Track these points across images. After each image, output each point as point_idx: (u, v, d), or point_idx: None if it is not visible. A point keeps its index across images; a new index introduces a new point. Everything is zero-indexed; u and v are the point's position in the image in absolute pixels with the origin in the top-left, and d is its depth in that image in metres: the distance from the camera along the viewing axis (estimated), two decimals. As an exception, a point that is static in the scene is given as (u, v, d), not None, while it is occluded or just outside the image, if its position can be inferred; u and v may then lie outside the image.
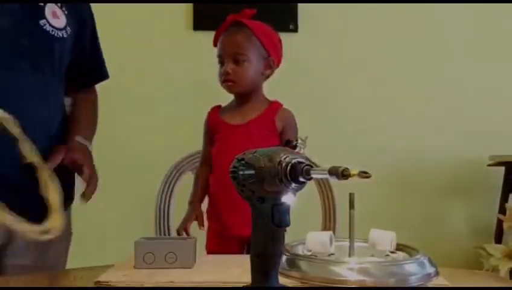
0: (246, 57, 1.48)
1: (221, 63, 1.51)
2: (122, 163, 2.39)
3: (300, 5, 2.62)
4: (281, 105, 1.55)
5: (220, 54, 1.51)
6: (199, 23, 2.57)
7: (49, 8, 1.28)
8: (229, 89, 1.51)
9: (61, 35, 1.30)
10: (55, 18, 1.28)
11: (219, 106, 1.59)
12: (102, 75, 1.51)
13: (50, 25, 1.27)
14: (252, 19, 1.53)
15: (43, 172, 1.15)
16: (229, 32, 1.51)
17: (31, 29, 1.25)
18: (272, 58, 1.53)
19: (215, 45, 1.54)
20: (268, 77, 1.55)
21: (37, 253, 1.29)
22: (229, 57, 1.48)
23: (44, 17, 1.26)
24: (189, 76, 2.58)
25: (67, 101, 1.45)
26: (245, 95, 1.52)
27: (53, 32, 1.27)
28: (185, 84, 2.58)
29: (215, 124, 1.55)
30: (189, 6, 2.61)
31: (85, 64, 1.44)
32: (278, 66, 1.57)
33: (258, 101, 1.53)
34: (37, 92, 1.24)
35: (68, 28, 1.32)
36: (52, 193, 1.13)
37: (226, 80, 1.49)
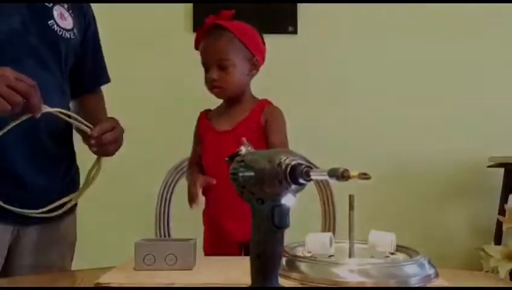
0: (231, 62, 1.47)
1: (206, 69, 1.50)
2: (122, 165, 2.39)
3: (299, 7, 2.63)
4: (269, 103, 1.53)
5: (204, 61, 1.50)
6: (199, 25, 2.57)
7: (57, 10, 1.32)
8: (217, 95, 1.51)
9: (68, 36, 1.33)
10: (63, 20, 1.32)
11: (208, 110, 1.58)
12: (104, 79, 1.54)
13: (58, 25, 1.30)
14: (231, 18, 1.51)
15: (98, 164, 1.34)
16: (211, 37, 1.49)
17: (40, 29, 1.28)
18: (256, 58, 1.52)
19: (196, 48, 1.53)
20: (253, 76, 1.55)
21: (42, 253, 1.30)
22: (214, 63, 1.47)
23: (52, 18, 1.29)
24: (188, 77, 2.57)
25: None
26: (233, 98, 1.52)
27: (60, 33, 1.30)
28: (184, 86, 2.58)
29: (204, 130, 1.54)
30: (188, 8, 2.61)
31: (87, 67, 1.46)
32: (262, 63, 1.55)
33: (245, 102, 1.52)
34: (45, 89, 1.26)
35: (75, 30, 1.35)
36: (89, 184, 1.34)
37: (213, 87, 1.48)
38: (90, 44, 1.45)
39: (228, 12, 1.50)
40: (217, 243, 1.48)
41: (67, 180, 1.36)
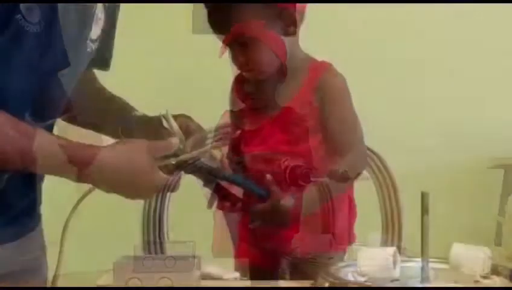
0: None
1: None
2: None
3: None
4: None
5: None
6: (198, 26, 2.56)
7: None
8: None
9: (35, 30, 1.25)
10: (30, 11, 1.25)
11: None
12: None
13: (25, 20, 1.24)
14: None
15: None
16: None
17: (7, 25, 1.20)
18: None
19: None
20: None
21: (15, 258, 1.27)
22: None
23: (19, 12, 1.22)
24: (187, 79, 2.57)
25: None
26: None
27: (28, 28, 1.25)
28: (183, 87, 2.58)
29: None
30: (188, 9, 2.60)
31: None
32: None
33: None
34: None
35: (42, 22, 1.25)
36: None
37: None
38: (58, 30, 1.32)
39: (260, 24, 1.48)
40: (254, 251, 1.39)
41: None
